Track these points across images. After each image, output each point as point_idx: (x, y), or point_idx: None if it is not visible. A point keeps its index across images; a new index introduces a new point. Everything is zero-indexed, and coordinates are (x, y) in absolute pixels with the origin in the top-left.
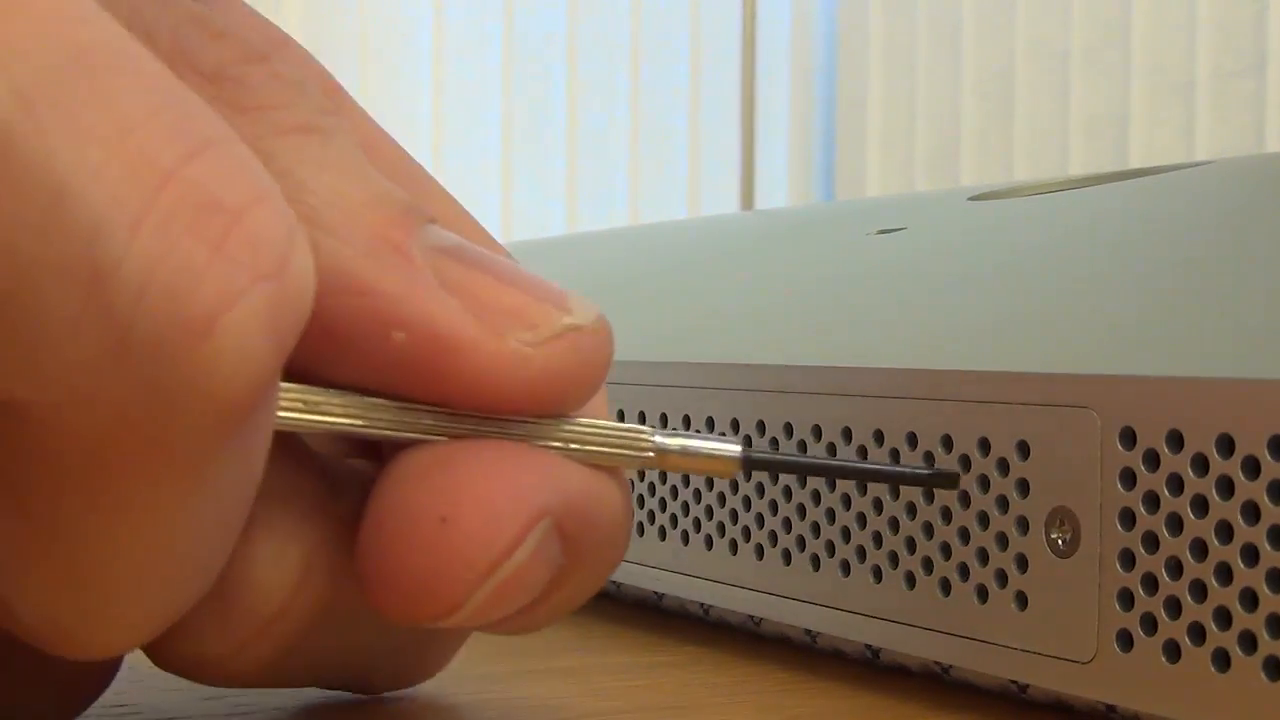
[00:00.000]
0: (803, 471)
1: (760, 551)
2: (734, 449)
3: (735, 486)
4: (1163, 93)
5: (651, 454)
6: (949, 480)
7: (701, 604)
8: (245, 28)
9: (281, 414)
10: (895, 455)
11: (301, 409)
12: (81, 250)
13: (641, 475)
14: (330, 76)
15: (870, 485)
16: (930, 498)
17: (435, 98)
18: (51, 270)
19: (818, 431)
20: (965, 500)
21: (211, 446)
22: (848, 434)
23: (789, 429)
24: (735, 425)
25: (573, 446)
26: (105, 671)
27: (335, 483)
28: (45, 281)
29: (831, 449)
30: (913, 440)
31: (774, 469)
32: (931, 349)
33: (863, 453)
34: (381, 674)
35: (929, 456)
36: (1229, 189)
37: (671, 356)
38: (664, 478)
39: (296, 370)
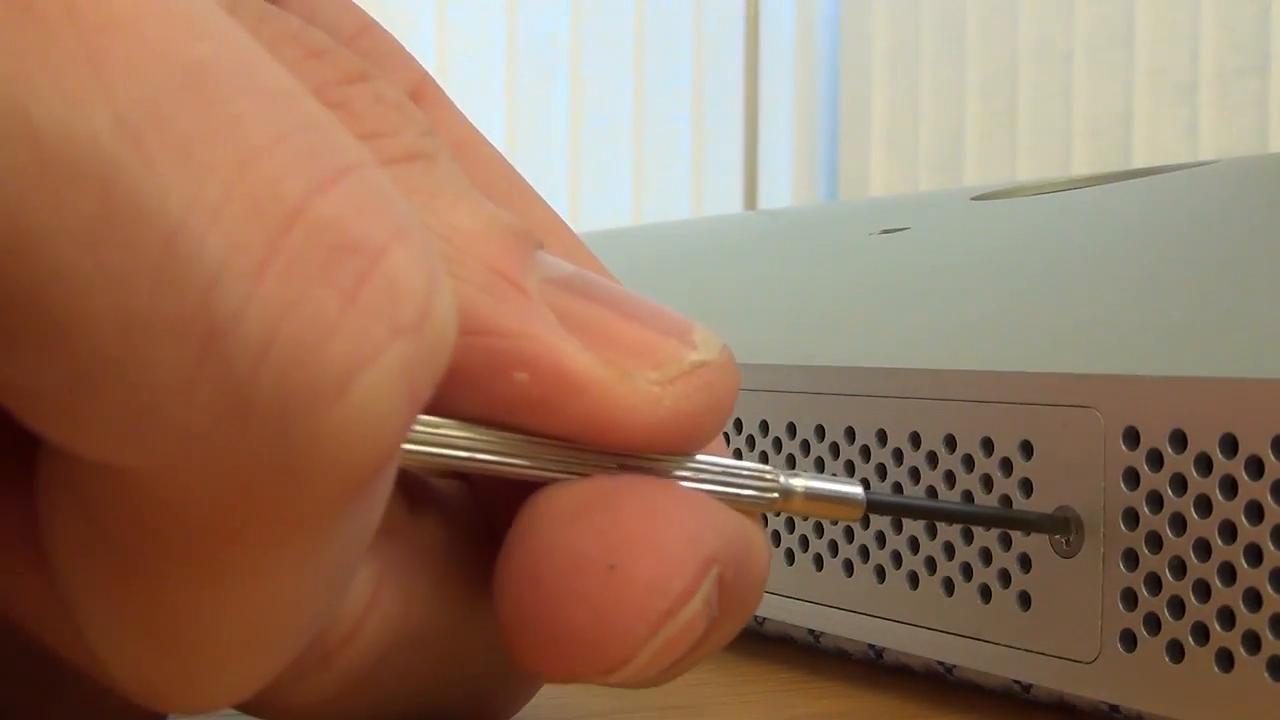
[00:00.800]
0: (921, 516)
1: None
2: (857, 491)
3: None
4: (1166, 92)
5: (776, 495)
6: (1058, 524)
7: None
8: (337, 11)
9: (405, 445)
10: (932, 461)
11: (425, 440)
12: (197, 303)
13: None
14: (417, 68)
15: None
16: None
17: None
18: (163, 327)
19: (820, 432)
20: (969, 500)
21: (335, 513)
22: (850, 434)
23: (792, 429)
24: (739, 425)
25: (698, 488)
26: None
27: (414, 500)
28: (156, 341)
29: (835, 449)
30: (916, 440)
31: (894, 513)
32: (934, 349)
33: (865, 453)
34: (456, 715)
35: (931, 457)
36: (1233, 189)
37: None
38: None
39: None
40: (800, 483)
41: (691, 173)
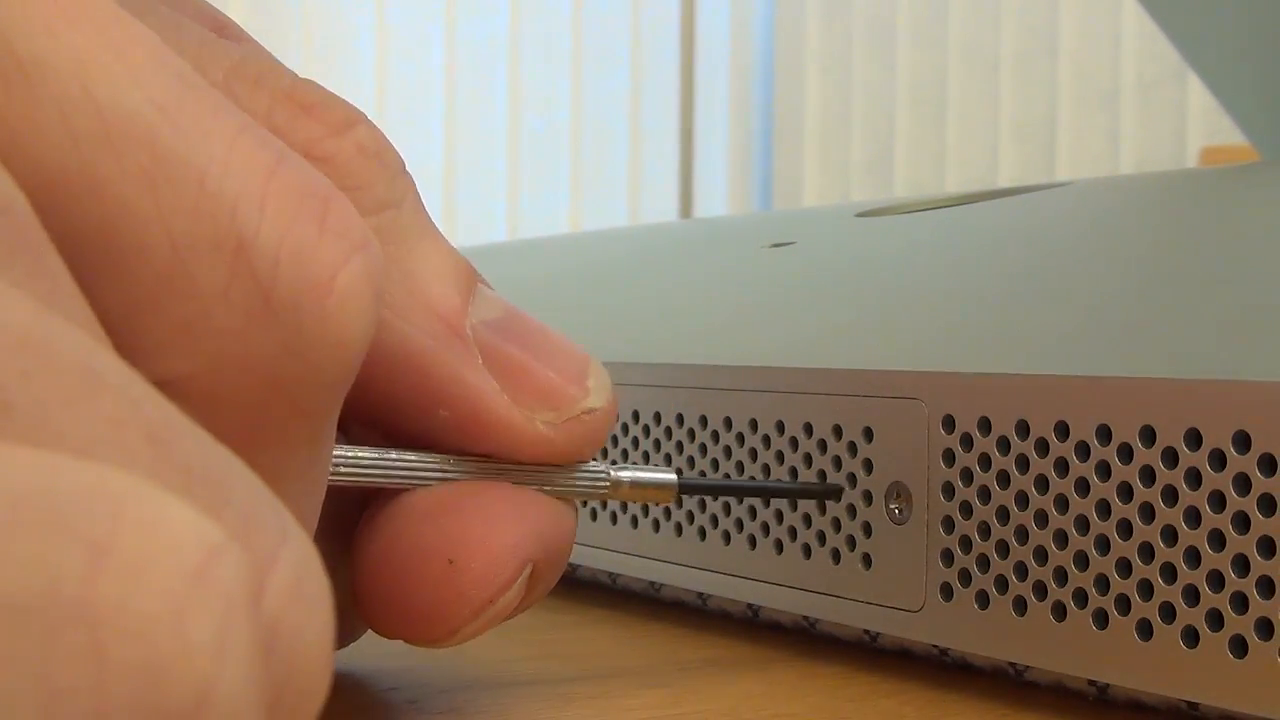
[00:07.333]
0: (726, 493)
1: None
2: (670, 477)
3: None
4: (1089, 100)
5: (608, 485)
6: (833, 492)
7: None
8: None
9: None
10: (774, 452)
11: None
12: (226, 225)
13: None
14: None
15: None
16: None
17: (378, 103)
18: (204, 245)
19: (704, 421)
20: (822, 477)
21: (333, 400)
22: (728, 423)
23: (680, 419)
24: (635, 415)
25: (547, 488)
26: None
27: None
28: (199, 256)
29: (715, 436)
30: (780, 428)
31: (702, 493)
32: (802, 350)
33: (740, 440)
34: None
35: (793, 441)
36: (1082, 208)
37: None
38: None
39: (363, 422)
40: (627, 475)
41: (629, 180)
